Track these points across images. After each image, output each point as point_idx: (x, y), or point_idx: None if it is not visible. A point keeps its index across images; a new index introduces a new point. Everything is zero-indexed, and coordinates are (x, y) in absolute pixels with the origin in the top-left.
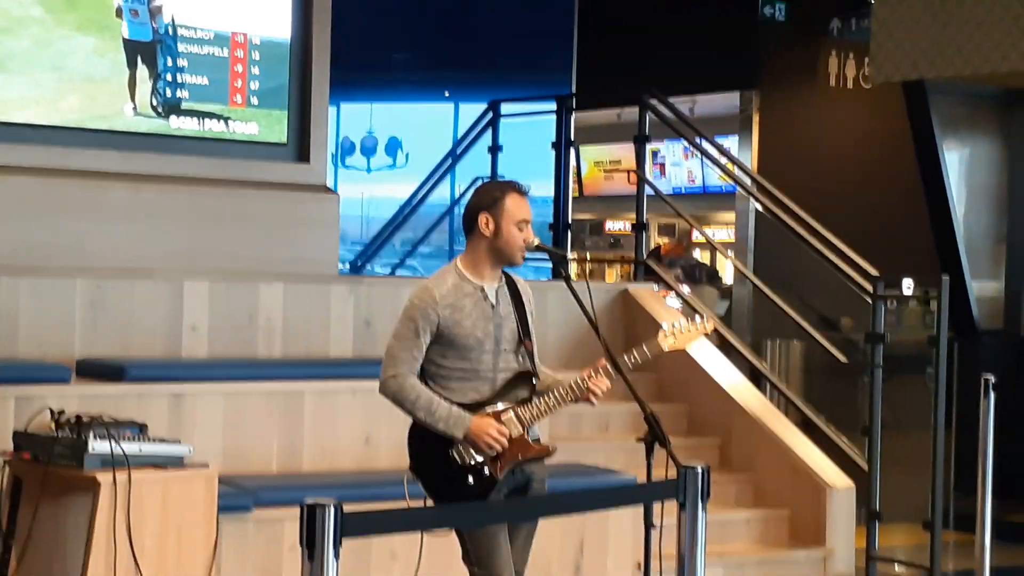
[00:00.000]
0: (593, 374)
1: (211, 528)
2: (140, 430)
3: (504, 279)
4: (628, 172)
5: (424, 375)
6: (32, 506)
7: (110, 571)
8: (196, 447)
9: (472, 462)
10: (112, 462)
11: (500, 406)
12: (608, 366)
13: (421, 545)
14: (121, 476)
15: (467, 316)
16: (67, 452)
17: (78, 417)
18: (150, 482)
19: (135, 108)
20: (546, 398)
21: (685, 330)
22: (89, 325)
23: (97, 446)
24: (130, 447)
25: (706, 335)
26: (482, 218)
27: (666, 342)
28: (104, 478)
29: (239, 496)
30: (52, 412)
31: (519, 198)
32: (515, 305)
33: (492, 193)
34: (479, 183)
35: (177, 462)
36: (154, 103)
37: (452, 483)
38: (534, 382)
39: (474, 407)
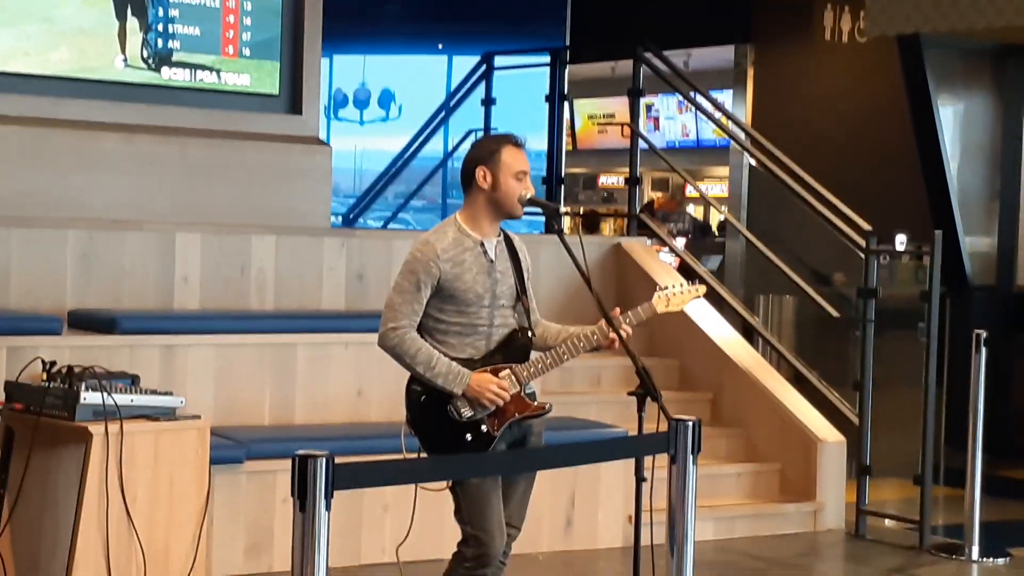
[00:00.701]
0: (605, 327)
1: (203, 479)
2: (132, 381)
3: (502, 236)
4: (621, 125)
5: (421, 329)
6: (24, 457)
7: (102, 522)
8: (188, 399)
9: (470, 418)
10: (104, 413)
11: (496, 363)
12: (614, 320)
13: (415, 500)
14: (113, 427)
15: (467, 270)
16: (59, 403)
17: (70, 368)
18: (142, 433)
19: (125, 60)
20: (544, 356)
21: (679, 293)
22: (81, 276)
23: (89, 397)
24: (122, 398)
25: (698, 297)
26: (479, 172)
27: (660, 304)
28: (96, 429)
29: (231, 448)
30: (44, 363)
31: (515, 150)
32: (512, 262)
33: (488, 146)
34: (474, 137)
35: (169, 413)
36: (145, 55)
37: (449, 439)
38: (530, 337)
39: (470, 363)
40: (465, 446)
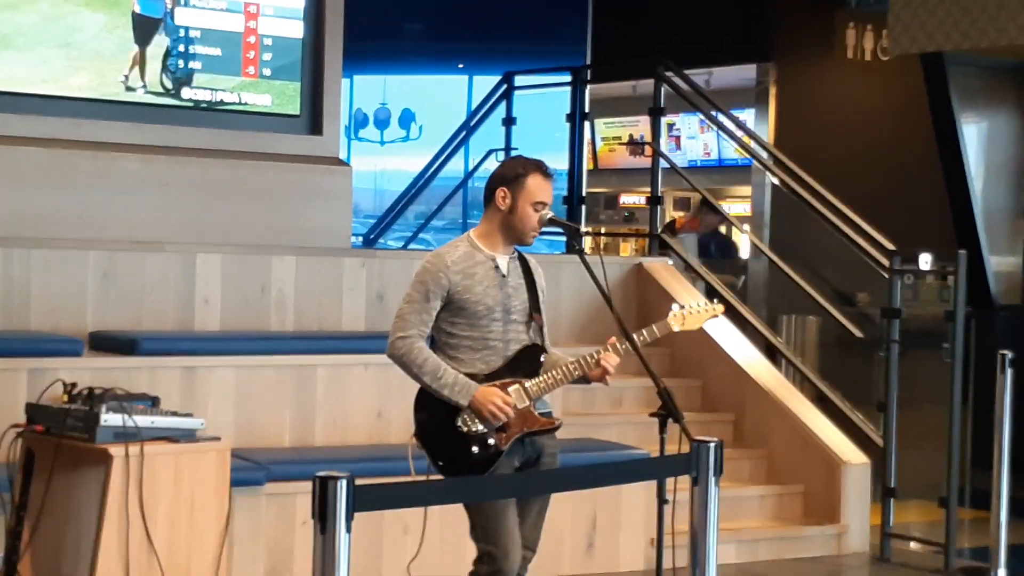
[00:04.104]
0: (603, 351)
1: (223, 501)
2: (152, 403)
3: (517, 255)
4: (643, 145)
5: (434, 344)
6: (44, 478)
7: (122, 544)
8: (208, 420)
9: (477, 431)
10: (124, 435)
11: (507, 378)
12: (618, 343)
13: (425, 517)
14: (133, 449)
15: (478, 283)
16: (79, 424)
17: (90, 389)
18: (162, 455)
19: (145, 87)
20: (554, 372)
21: (695, 312)
22: (101, 297)
23: (109, 419)
24: (142, 420)
25: (715, 317)
26: (500, 192)
27: (675, 323)
28: (116, 451)
29: (251, 470)
30: (65, 384)
31: (542, 180)
32: (526, 280)
33: (516, 168)
34: (501, 156)
35: (190, 435)
36: (164, 80)
37: (455, 451)
38: (542, 358)
39: (481, 378)
40: (471, 459)
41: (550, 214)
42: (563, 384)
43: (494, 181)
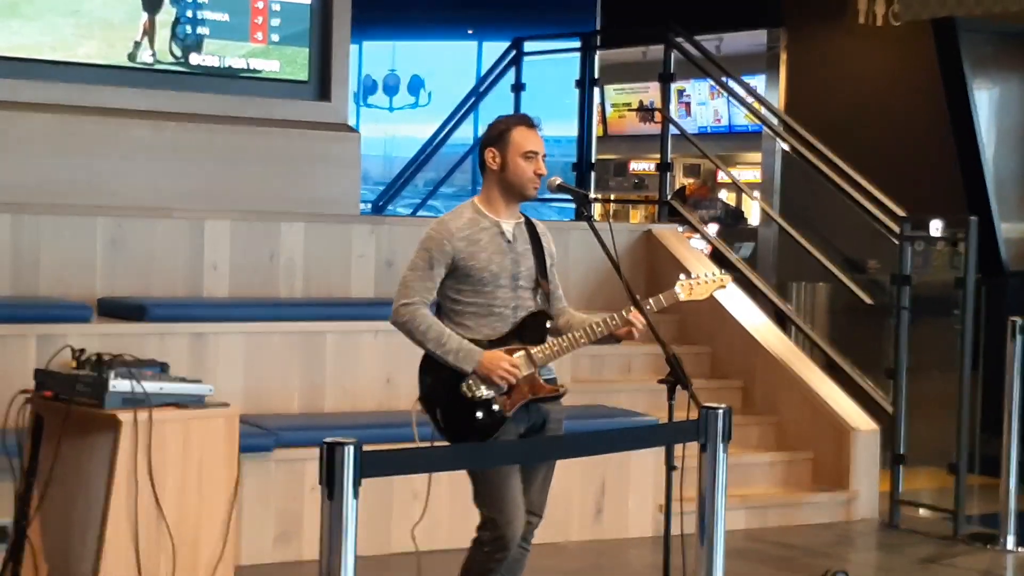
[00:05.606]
0: (631, 308)
1: (232, 467)
2: (161, 369)
3: (524, 221)
4: (652, 111)
5: (440, 311)
6: (54, 444)
7: (131, 510)
8: (217, 386)
9: (482, 397)
10: (133, 401)
11: (512, 345)
12: (643, 302)
13: (429, 484)
14: (142, 415)
15: (483, 249)
16: (88, 390)
17: (99, 355)
18: (171, 421)
19: (154, 54)
20: (560, 339)
21: (702, 282)
22: (110, 264)
23: (118, 384)
24: (151, 386)
25: (723, 288)
26: (489, 153)
27: (683, 292)
28: (125, 416)
29: (261, 436)
30: (73, 350)
31: (526, 130)
32: (533, 245)
33: (498, 127)
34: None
35: (198, 401)
36: (173, 47)
37: (460, 417)
38: (548, 324)
39: (487, 345)
40: (476, 425)
41: (558, 180)
42: (575, 348)
43: (482, 145)
